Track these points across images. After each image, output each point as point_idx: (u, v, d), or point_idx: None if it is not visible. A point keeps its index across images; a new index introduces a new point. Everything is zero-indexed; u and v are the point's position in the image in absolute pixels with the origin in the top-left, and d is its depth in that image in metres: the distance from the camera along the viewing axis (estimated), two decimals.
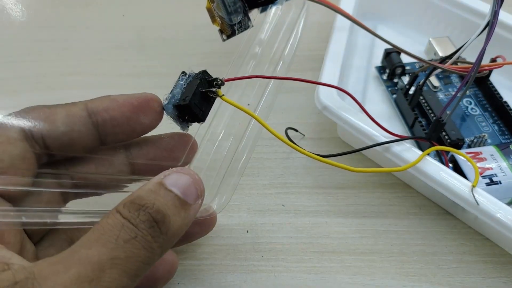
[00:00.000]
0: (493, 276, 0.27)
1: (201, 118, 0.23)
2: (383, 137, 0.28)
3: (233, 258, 0.28)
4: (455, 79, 0.36)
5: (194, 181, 0.20)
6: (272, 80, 0.25)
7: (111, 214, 0.18)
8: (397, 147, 0.28)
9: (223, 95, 0.23)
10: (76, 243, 0.17)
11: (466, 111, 0.34)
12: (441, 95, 0.35)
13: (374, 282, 0.27)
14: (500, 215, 0.24)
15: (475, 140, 0.32)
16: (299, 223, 0.30)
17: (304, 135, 0.34)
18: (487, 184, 0.27)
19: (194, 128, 0.24)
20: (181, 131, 0.23)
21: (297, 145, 0.24)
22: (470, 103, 0.35)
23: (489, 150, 0.29)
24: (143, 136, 0.24)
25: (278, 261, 0.28)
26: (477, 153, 0.29)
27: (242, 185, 0.32)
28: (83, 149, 0.23)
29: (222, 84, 0.23)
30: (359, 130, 0.29)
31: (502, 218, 0.24)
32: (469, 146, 0.32)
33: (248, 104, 0.25)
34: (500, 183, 0.28)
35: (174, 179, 0.19)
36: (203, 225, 0.26)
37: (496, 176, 0.28)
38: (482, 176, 0.27)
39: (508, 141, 0.32)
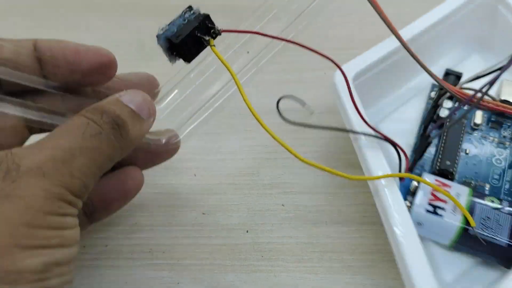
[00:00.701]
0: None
1: (186, 59, 0.23)
2: (369, 129, 0.26)
3: (233, 258, 0.28)
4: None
5: (147, 101, 0.22)
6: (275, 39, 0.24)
7: (76, 117, 0.20)
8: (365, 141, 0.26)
9: (214, 45, 0.23)
10: (46, 136, 0.19)
11: (489, 158, 0.30)
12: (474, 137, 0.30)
13: (374, 282, 0.27)
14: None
15: (472, 184, 0.29)
16: (299, 223, 0.30)
17: (314, 111, 0.29)
18: (427, 211, 0.25)
19: (175, 68, 0.24)
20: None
21: (290, 148, 0.23)
22: (501, 154, 0.30)
23: (461, 190, 0.26)
24: (116, 78, 0.25)
25: (278, 261, 0.28)
26: (446, 185, 0.26)
27: (242, 185, 0.32)
28: (34, 82, 0.23)
29: (219, 34, 0.23)
30: (346, 113, 0.27)
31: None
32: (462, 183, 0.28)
33: (248, 52, 0.24)
34: (442, 217, 0.25)
35: (129, 97, 0.21)
36: (167, 149, 0.27)
37: (444, 210, 0.25)
38: (429, 204, 0.26)
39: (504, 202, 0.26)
